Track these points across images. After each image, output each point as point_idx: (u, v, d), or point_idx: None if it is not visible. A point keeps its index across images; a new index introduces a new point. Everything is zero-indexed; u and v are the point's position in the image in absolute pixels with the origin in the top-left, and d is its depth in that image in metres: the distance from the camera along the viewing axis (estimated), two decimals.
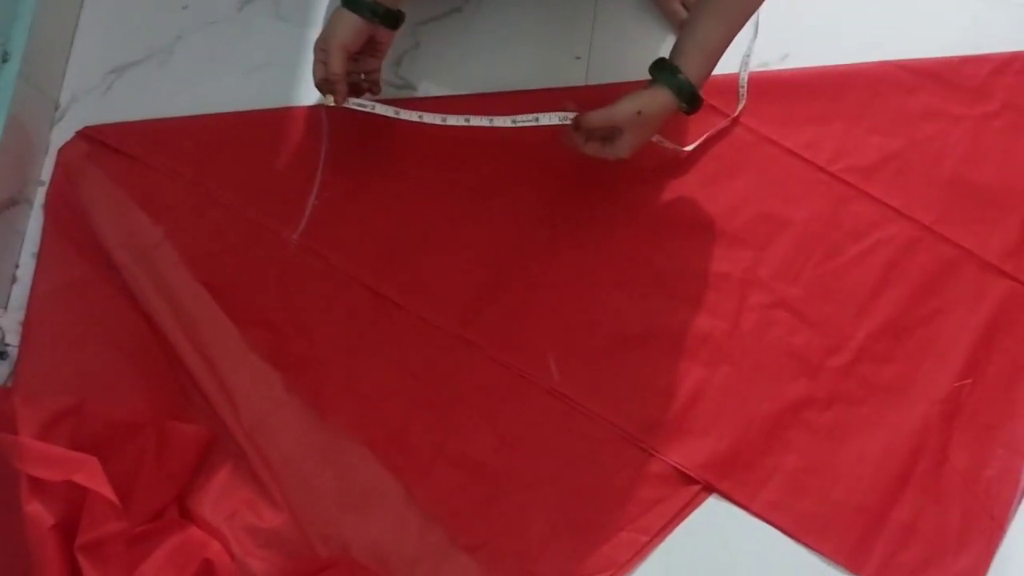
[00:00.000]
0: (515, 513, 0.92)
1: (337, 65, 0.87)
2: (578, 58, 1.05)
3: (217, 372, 0.92)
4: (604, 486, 0.93)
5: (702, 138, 1.01)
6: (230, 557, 0.83)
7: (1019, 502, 0.94)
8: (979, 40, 1.08)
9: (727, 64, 1.02)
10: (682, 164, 1.01)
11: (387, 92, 1.02)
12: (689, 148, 1.00)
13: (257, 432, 0.91)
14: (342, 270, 0.97)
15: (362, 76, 0.94)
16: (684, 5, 1.04)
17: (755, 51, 1.05)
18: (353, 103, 0.91)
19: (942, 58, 1.07)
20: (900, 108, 1.05)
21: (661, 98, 0.87)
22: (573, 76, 1.05)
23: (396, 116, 0.93)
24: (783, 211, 1.01)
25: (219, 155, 1.00)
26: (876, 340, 0.98)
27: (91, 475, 0.80)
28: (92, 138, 0.99)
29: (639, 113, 0.87)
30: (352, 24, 0.87)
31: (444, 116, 0.93)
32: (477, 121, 0.93)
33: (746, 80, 1.03)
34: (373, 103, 0.92)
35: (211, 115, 1.02)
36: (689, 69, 0.87)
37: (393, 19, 0.90)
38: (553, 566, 0.91)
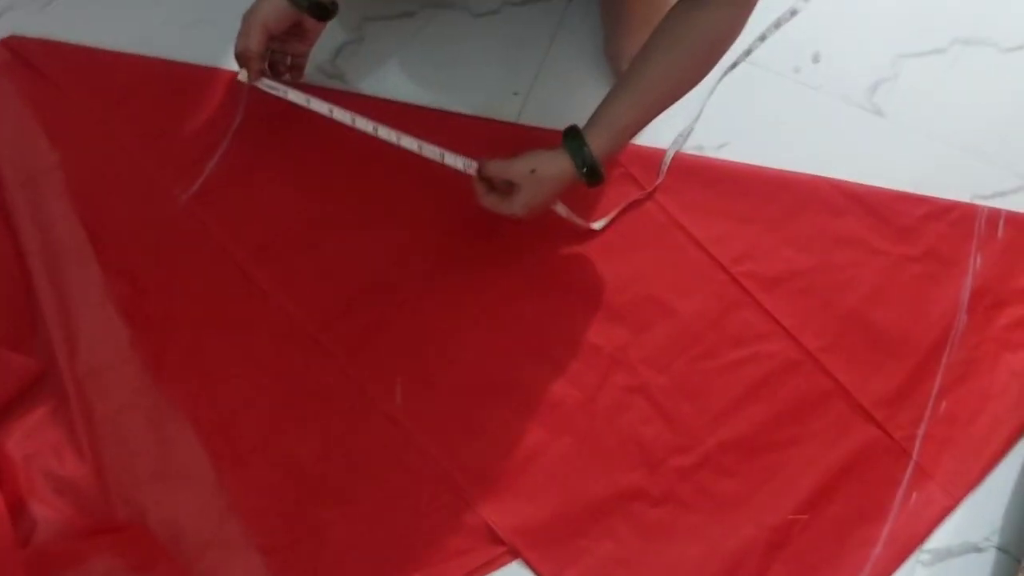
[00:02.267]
0: (318, 526, 0.91)
1: (255, 42, 0.86)
2: (516, 94, 1.03)
3: (67, 312, 0.92)
4: (414, 523, 0.92)
5: (613, 213, 0.99)
6: (8, 498, 0.82)
7: None
8: (924, 182, 1.05)
9: (662, 139, 1.01)
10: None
11: (317, 79, 1.01)
12: (597, 225, 0.99)
13: (89, 380, 0.90)
14: (219, 243, 0.96)
15: (288, 58, 0.93)
16: None
17: (695, 132, 1.03)
18: (265, 84, 0.90)
19: (880, 188, 1.04)
20: (822, 228, 1.03)
21: (560, 163, 0.85)
22: (507, 111, 1.03)
23: (306, 105, 0.92)
24: (671, 299, 0.99)
25: (134, 98, 0.99)
26: (725, 451, 0.96)
27: None
28: (14, 49, 0.99)
29: (533, 171, 0.85)
30: (276, 4, 0.86)
31: (354, 117, 0.92)
32: (385, 134, 0.91)
33: (670, 159, 1.01)
34: (287, 88, 0.91)
35: (138, 56, 1.01)
36: (595, 143, 0.85)
37: (322, 11, 0.88)
38: None
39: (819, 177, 1.04)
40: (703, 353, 0.98)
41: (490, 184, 0.88)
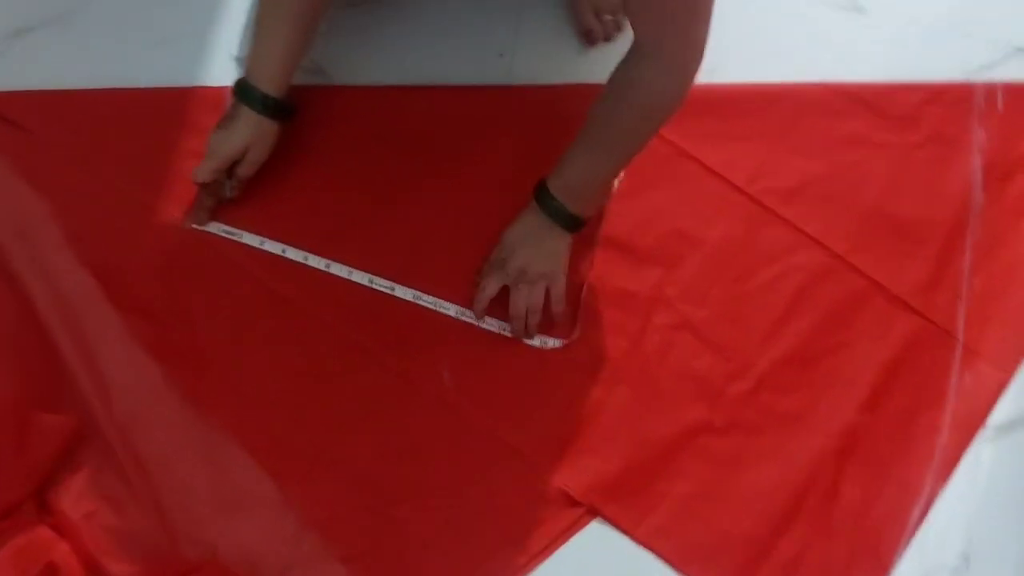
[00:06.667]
0: (395, 524, 0.89)
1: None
2: (501, 55, 1.01)
3: (93, 361, 0.88)
4: (488, 502, 0.91)
5: None
6: (82, 559, 0.80)
7: (906, 543, 0.92)
8: (915, 68, 1.05)
9: None
10: None
11: (299, 78, 0.97)
12: None
13: (131, 426, 0.87)
14: (233, 261, 0.93)
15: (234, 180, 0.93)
16: (599, 18, 1.01)
17: None
18: (220, 229, 0.93)
19: (873, 83, 1.04)
20: (825, 131, 1.03)
21: (531, 217, 0.90)
22: (496, 74, 1.01)
23: (260, 246, 0.94)
24: (696, 229, 0.98)
25: (115, 132, 0.96)
26: (780, 368, 0.96)
27: None
28: None
29: (512, 236, 0.91)
30: (273, 137, 0.90)
31: (307, 255, 0.94)
32: (359, 277, 0.94)
33: None
34: (241, 232, 0.94)
35: (110, 89, 0.97)
36: (558, 190, 0.88)
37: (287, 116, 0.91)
38: None
39: (812, 83, 1.04)
40: (737, 277, 0.98)
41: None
